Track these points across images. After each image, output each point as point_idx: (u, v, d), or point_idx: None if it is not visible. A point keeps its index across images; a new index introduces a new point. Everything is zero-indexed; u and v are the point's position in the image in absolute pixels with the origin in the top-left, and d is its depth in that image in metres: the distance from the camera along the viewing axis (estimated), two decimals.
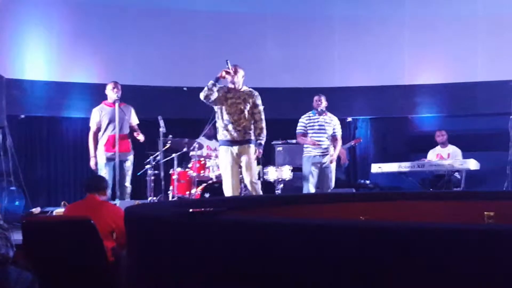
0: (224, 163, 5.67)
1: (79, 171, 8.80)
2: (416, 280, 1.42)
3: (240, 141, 5.62)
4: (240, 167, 5.70)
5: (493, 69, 8.96)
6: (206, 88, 5.53)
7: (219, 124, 5.69)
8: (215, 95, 5.56)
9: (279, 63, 9.20)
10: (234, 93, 5.65)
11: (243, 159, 5.64)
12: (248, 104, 5.66)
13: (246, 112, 5.64)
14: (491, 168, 7.88)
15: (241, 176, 5.83)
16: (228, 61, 5.61)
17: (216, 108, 5.69)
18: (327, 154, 6.68)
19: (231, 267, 1.71)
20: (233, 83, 5.63)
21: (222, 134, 5.68)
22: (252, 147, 5.65)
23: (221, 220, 1.87)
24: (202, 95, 5.56)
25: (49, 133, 9.02)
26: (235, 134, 5.60)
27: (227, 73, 5.56)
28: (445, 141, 8.14)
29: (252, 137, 5.67)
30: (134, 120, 6.64)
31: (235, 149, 5.62)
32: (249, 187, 5.71)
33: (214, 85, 5.52)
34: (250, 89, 5.78)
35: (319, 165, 6.66)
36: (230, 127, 5.60)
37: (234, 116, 5.61)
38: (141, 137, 6.50)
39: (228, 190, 5.60)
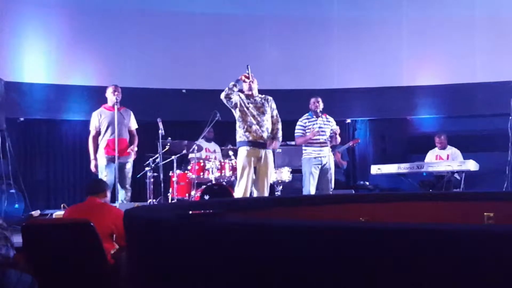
0: (244, 164, 5.65)
1: (79, 174, 8.80)
2: (416, 281, 1.42)
3: (263, 143, 5.70)
4: (255, 169, 5.72)
5: (492, 70, 8.97)
6: (226, 88, 5.63)
7: (240, 126, 5.72)
8: (235, 98, 5.64)
9: (278, 65, 9.21)
10: (253, 100, 5.78)
11: (263, 163, 5.69)
12: (267, 108, 5.81)
13: (267, 115, 5.80)
14: (490, 169, 7.88)
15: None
16: (248, 66, 5.73)
17: (237, 111, 5.72)
18: (326, 156, 6.67)
19: (231, 269, 1.71)
20: (251, 89, 5.76)
21: (244, 136, 5.69)
22: (271, 153, 5.80)
23: (220, 222, 1.87)
24: (222, 95, 5.64)
25: (48, 135, 9.02)
26: (259, 135, 5.67)
27: (246, 77, 5.68)
28: (445, 146, 8.16)
29: None
30: (133, 124, 6.63)
31: (257, 151, 5.67)
32: (265, 191, 5.73)
33: (234, 85, 5.65)
34: (264, 95, 5.90)
35: (320, 167, 6.65)
36: (254, 127, 5.68)
37: (258, 118, 5.72)
38: (132, 152, 6.53)
39: (242, 191, 5.60)
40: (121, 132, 6.41)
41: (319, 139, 6.65)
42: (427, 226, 1.51)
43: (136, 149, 6.60)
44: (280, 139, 5.93)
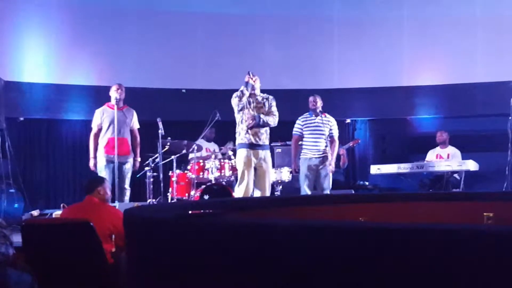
0: (245, 165, 5.74)
1: (78, 173, 8.79)
2: (416, 281, 1.42)
3: (262, 145, 5.82)
4: (255, 170, 5.81)
5: (492, 70, 8.97)
6: (238, 92, 5.79)
7: (241, 128, 5.82)
8: (244, 99, 5.79)
9: (278, 65, 9.21)
10: (255, 99, 5.90)
11: (263, 163, 5.80)
12: (266, 108, 5.91)
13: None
14: (490, 169, 7.89)
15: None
16: (249, 72, 5.90)
17: (241, 114, 5.83)
18: (324, 156, 6.66)
19: (230, 269, 1.71)
20: (253, 88, 5.87)
21: (244, 138, 5.79)
22: (269, 153, 5.94)
23: (220, 221, 1.87)
24: (234, 100, 5.80)
25: (48, 135, 9.02)
26: (257, 137, 5.78)
27: (250, 78, 5.84)
28: (445, 141, 8.16)
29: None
30: (135, 124, 6.63)
31: (256, 152, 5.77)
32: (266, 190, 5.83)
33: (245, 88, 5.79)
34: (265, 94, 6.02)
35: (315, 167, 6.64)
36: (253, 130, 5.77)
37: None
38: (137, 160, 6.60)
39: (243, 192, 5.68)
40: (122, 131, 6.41)
41: (316, 140, 6.65)
42: (427, 226, 1.51)
43: (139, 159, 6.62)
44: (266, 122, 5.84)
